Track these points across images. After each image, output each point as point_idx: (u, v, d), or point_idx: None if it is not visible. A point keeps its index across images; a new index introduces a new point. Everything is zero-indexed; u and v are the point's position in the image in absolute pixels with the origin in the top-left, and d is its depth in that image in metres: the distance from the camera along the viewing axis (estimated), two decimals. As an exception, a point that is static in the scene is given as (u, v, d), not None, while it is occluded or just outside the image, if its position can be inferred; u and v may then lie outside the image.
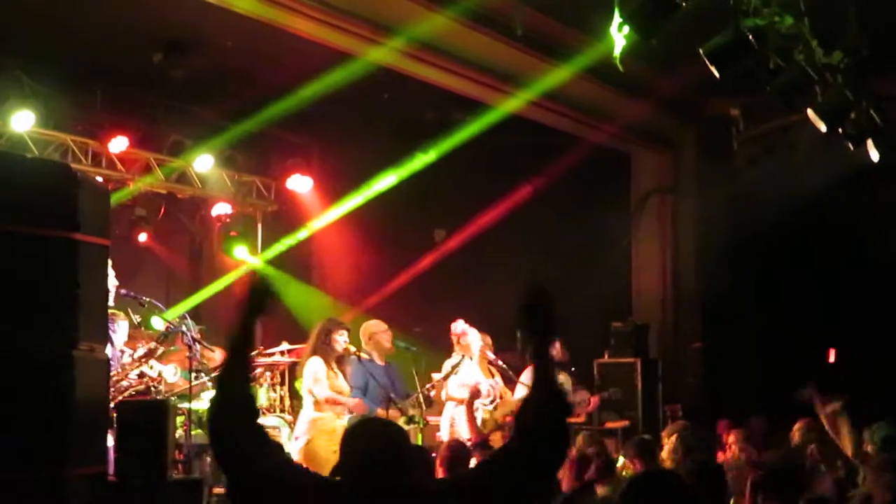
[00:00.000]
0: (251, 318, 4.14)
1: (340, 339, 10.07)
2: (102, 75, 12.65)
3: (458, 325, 11.05)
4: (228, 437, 3.94)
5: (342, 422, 9.97)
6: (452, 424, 10.75)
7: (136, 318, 10.37)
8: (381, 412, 10.02)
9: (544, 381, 3.99)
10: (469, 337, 10.97)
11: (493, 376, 11.27)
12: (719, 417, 11.22)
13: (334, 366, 10.05)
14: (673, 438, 8.47)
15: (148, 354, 9.89)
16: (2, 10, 10.62)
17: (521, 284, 4.01)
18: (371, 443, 3.89)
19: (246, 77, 12.45)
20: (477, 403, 10.85)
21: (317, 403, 9.92)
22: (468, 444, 9.48)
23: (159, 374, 9.96)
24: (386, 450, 3.85)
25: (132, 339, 10.43)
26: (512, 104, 13.09)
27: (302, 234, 15.24)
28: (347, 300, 14.77)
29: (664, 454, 8.28)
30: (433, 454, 7.30)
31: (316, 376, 9.91)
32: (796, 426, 9.53)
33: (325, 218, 15.23)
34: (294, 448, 9.95)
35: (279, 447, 4.11)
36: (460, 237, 15.35)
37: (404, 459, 3.89)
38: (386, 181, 14.68)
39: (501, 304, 13.88)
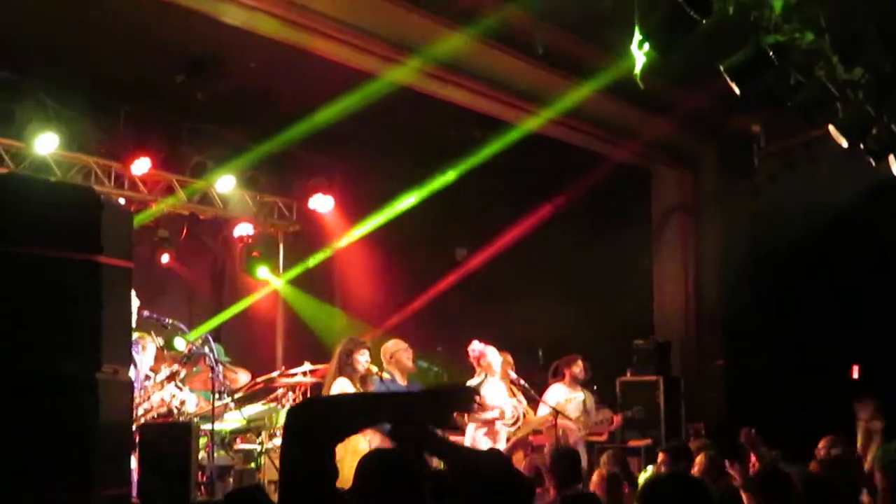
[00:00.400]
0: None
1: (362, 359, 10.03)
2: (125, 97, 12.71)
3: (475, 347, 11.03)
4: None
5: (366, 443, 9.94)
6: (474, 444, 10.73)
7: (160, 341, 10.39)
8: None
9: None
10: (488, 357, 10.96)
11: (514, 396, 11.26)
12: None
13: (359, 385, 10.02)
14: (701, 457, 8.48)
15: (171, 377, 9.91)
16: (25, 34, 10.71)
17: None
18: (385, 475, 3.87)
19: (268, 98, 12.51)
20: (499, 424, 10.85)
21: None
22: None
23: (182, 402, 9.96)
24: (400, 483, 3.83)
25: (155, 361, 10.46)
26: (533, 122, 13.09)
27: (323, 254, 15.27)
28: (369, 320, 14.79)
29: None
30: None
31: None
32: (821, 443, 9.47)
33: (346, 238, 15.26)
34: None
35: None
36: (482, 256, 15.35)
37: (416, 492, 3.87)
38: (407, 200, 14.70)
39: (523, 322, 13.97)
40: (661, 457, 8.49)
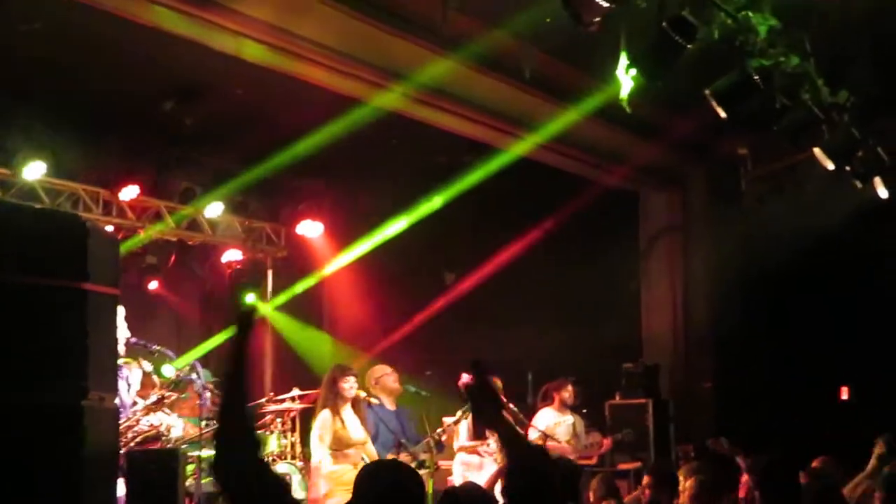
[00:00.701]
0: (240, 338, 4.07)
1: (347, 386, 9.98)
2: (114, 124, 12.71)
3: (465, 377, 11.00)
4: (235, 477, 3.84)
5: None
6: (464, 471, 10.72)
7: (148, 366, 10.36)
8: (391, 457, 9.99)
9: (514, 444, 3.97)
10: None
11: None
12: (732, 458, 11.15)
13: (344, 414, 9.95)
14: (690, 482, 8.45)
15: (158, 402, 9.89)
16: (13, 61, 10.71)
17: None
18: (381, 485, 3.86)
19: (256, 124, 12.52)
20: (483, 451, 10.85)
21: (333, 456, 9.85)
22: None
23: (168, 428, 9.94)
24: (395, 493, 3.82)
25: (143, 388, 10.43)
26: (521, 147, 13.11)
27: (312, 280, 15.26)
28: (358, 345, 14.78)
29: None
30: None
31: (320, 434, 9.85)
32: (814, 463, 9.47)
33: (335, 263, 15.26)
34: (312, 495, 9.93)
35: (286, 486, 4.06)
36: (470, 280, 15.35)
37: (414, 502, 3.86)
38: (396, 226, 14.70)
39: (512, 346, 13.95)
40: (645, 479, 8.46)
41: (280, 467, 10.81)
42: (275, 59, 10.45)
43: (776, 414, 13.58)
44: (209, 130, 12.70)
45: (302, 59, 10.49)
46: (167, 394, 10.01)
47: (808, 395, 13.72)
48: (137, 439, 9.67)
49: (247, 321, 4.06)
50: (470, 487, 6.33)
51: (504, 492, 4.04)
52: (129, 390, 10.15)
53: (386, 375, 10.85)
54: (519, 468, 3.89)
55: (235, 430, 3.91)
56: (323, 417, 9.87)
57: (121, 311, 8.00)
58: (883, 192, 10.93)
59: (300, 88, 11.23)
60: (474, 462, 10.83)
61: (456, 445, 10.91)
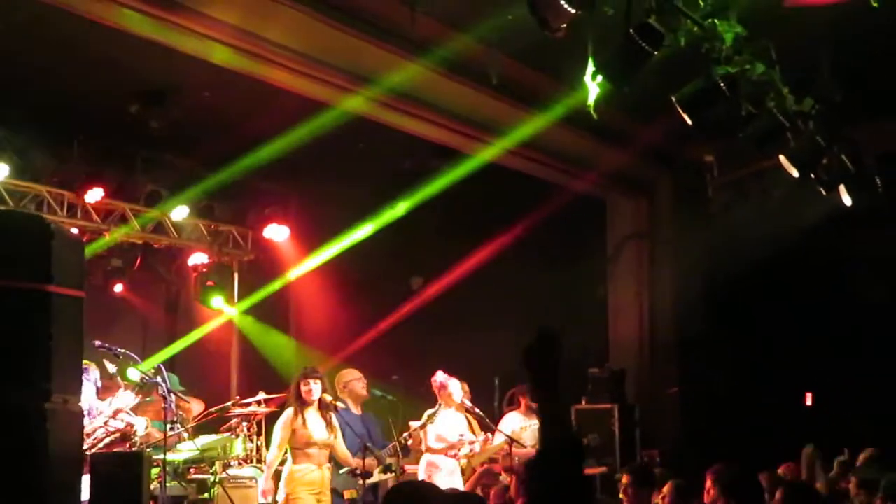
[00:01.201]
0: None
1: (313, 388, 9.98)
2: (79, 126, 12.66)
3: (438, 378, 11.04)
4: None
5: (321, 472, 9.93)
6: (430, 475, 10.72)
7: (112, 368, 10.30)
8: (356, 461, 9.99)
9: (557, 428, 3.87)
10: (449, 388, 10.97)
11: (472, 427, 11.28)
12: (697, 462, 11.19)
13: (307, 414, 9.94)
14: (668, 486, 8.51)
15: (120, 408, 9.85)
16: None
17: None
18: None
19: (222, 127, 12.47)
20: (451, 454, 10.87)
21: (294, 456, 9.86)
22: None
23: (130, 426, 9.90)
24: None
25: (107, 390, 10.38)
26: (489, 153, 13.12)
27: (279, 284, 15.23)
28: (325, 349, 14.75)
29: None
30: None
31: (280, 431, 9.86)
32: (780, 469, 9.54)
33: (302, 267, 15.23)
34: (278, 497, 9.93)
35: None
36: (437, 285, 15.36)
37: None
38: (363, 230, 14.69)
39: (479, 351, 13.97)
40: (625, 478, 8.44)
41: (246, 471, 10.77)
42: (242, 63, 10.43)
43: (741, 419, 13.65)
44: (175, 133, 12.65)
45: (269, 63, 10.47)
46: (132, 395, 9.98)
47: (773, 400, 13.80)
48: (106, 440, 9.64)
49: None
50: (418, 483, 6.36)
51: (524, 482, 3.96)
52: (96, 393, 10.13)
53: (355, 380, 10.88)
54: (553, 456, 3.80)
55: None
56: (284, 415, 9.91)
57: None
58: (847, 200, 11.01)
59: (267, 92, 11.21)
60: (440, 464, 10.83)
61: (424, 447, 10.91)
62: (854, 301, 13.52)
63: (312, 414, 9.95)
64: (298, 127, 11.94)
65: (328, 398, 10.13)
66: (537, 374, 3.86)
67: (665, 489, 8.26)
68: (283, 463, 10.08)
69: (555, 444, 3.72)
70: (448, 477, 10.61)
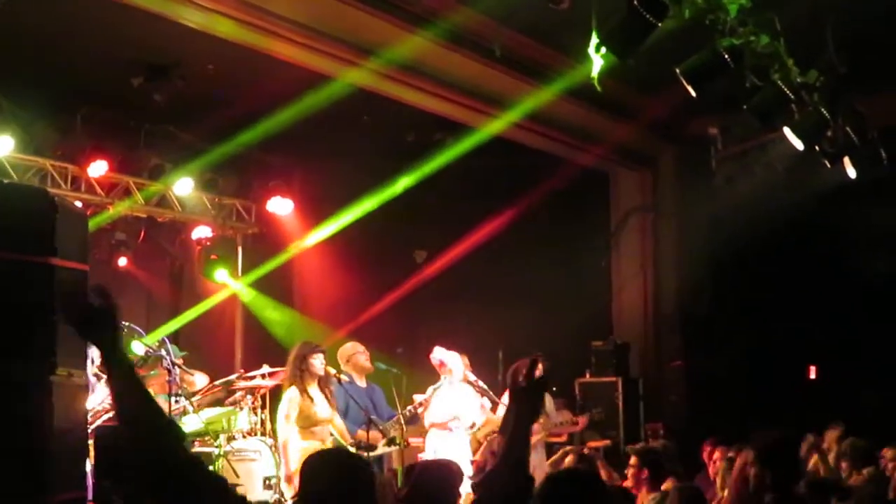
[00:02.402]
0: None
1: (317, 363, 9.99)
2: (83, 99, 12.63)
3: (436, 355, 11.04)
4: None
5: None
6: (436, 448, 10.75)
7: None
8: (361, 433, 10.02)
9: (517, 462, 3.91)
10: (449, 364, 10.97)
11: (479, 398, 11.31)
12: (700, 435, 11.23)
13: (311, 391, 9.97)
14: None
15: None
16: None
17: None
18: (328, 477, 3.80)
19: (226, 100, 12.44)
20: (458, 427, 10.89)
21: (302, 433, 9.86)
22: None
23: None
24: (345, 483, 3.77)
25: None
26: (493, 125, 13.11)
27: (283, 257, 15.21)
28: (329, 322, 14.75)
29: None
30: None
31: (287, 412, 9.86)
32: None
33: (305, 240, 15.22)
34: (282, 473, 9.96)
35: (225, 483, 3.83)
36: (442, 258, 15.36)
37: (361, 495, 3.81)
38: (367, 203, 14.67)
39: (483, 324, 13.97)
40: (633, 460, 8.41)
41: (250, 444, 10.80)
42: (246, 36, 10.41)
43: (745, 392, 13.68)
44: (179, 107, 12.62)
45: (273, 36, 10.45)
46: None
47: (776, 374, 13.82)
48: (105, 417, 9.65)
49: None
50: (436, 462, 6.35)
51: (475, 488, 3.99)
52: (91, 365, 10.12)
53: (358, 353, 10.89)
54: (503, 490, 3.84)
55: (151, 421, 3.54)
56: (290, 395, 9.88)
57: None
58: (852, 172, 10.99)
59: (271, 65, 11.19)
60: (446, 438, 10.85)
61: (427, 422, 10.93)
62: (858, 274, 13.52)
63: (315, 390, 9.97)
64: (302, 100, 11.93)
65: (332, 371, 10.14)
66: (522, 411, 3.92)
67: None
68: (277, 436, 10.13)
69: (507, 485, 3.79)
70: (454, 450, 10.62)
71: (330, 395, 10.11)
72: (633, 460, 8.29)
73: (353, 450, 9.79)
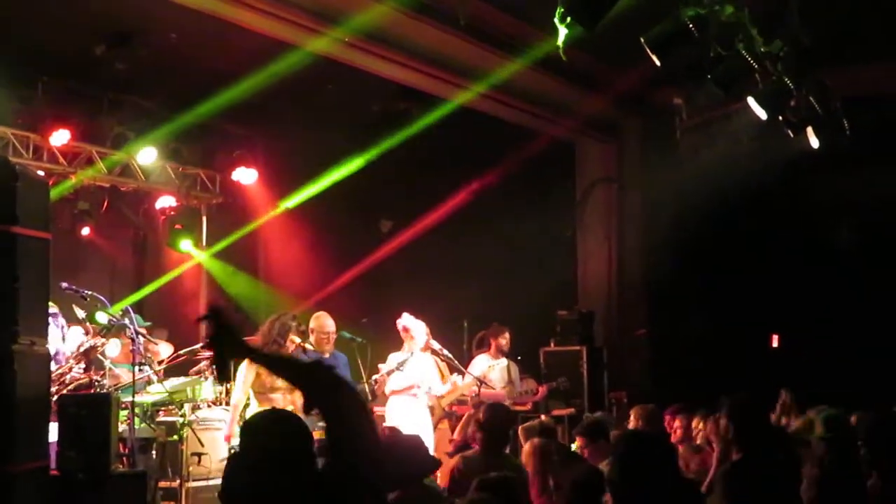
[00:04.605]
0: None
1: (295, 338, 9.98)
2: (44, 68, 12.52)
3: (403, 320, 11.05)
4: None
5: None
6: (397, 417, 10.77)
7: (82, 314, 10.26)
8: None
9: (287, 367, 3.99)
10: (413, 330, 10.98)
11: (438, 367, 11.33)
12: (664, 403, 11.31)
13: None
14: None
15: (92, 350, 9.84)
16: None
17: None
18: (267, 438, 3.83)
19: (189, 69, 12.37)
20: (420, 394, 10.92)
21: (258, 398, 9.85)
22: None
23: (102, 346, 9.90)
24: (282, 445, 3.80)
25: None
26: (458, 96, 13.09)
27: (248, 226, 15.17)
28: (294, 292, 14.74)
29: None
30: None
31: (244, 375, 9.78)
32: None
33: (270, 210, 15.18)
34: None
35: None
36: (407, 228, 15.36)
37: (301, 452, 3.83)
38: (332, 173, 14.64)
39: (448, 294, 13.98)
40: (578, 441, 8.41)
41: (215, 413, 10.79)
42: (208, 3, 10.34)
43: (708, 361, 13.76)
44: (142, 75, 12.54)
45: (236, 3, 10.38)
46: (99, 340, 9.96)
47: (740, 342, 13.91)
48: (70, 387, 9.62)
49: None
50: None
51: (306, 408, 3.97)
52: (63, 340, 10.08)
53: (326, 324, 10.87)
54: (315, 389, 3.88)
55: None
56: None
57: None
58: (814, 142, 11.06)
59: (234, 33, 11.11)
60: (407, 406, 10.88)
61: (388, 389, 10.95)
62: (821, 243, 13.62)
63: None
64: (266, 69, 11.86)
65: (297, 340, 10.14)
66: (224, 350, 3.96)
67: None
68: (246, 407, 10.10)
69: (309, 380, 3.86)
70: (415, 419, 10.65)
71: None
72: (578, 442, 8.31)
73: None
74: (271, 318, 10.11)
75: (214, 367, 3.97)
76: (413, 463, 5.88)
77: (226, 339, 3.93)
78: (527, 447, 7.37)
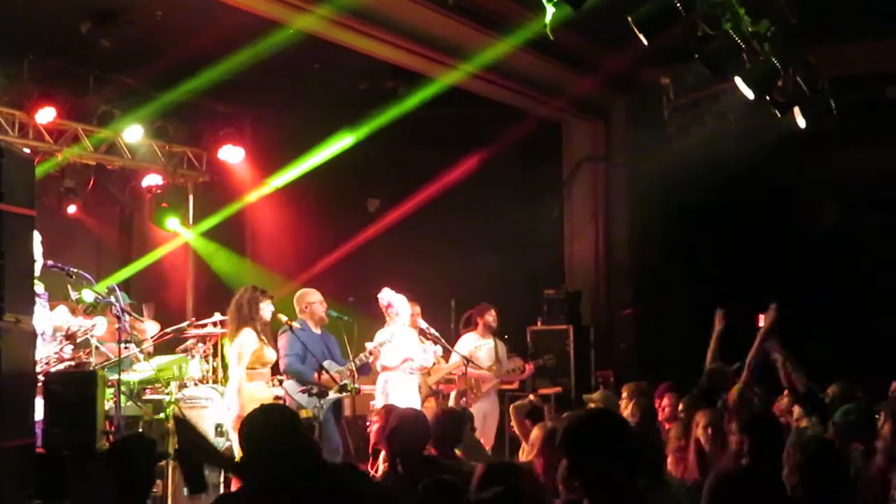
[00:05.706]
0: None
1: (267, 308, 10.05)
2: (29, 45, 12.44)
3: (385, 296, 11.06)
4: None
5: (270, 391, 10.03)
6: (386, 392, 10.80)
7: (75, 295, 10.21)
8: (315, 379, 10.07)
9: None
10: (395, 306, 10.99)
11: (424, 343, 11.35)
12: (650, 382, 11.33)
13: (263, 336, 10.02)
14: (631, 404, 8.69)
15: (79, 332, 9.83)
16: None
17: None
18: (271, 432, 3.87)
19: (176, 47, 12.28)
20: (409, 372, 10.95)
21: (248, 374, 9.88)
22: None
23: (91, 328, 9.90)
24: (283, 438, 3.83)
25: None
26: (446, 75, 13.07)
27: (234, 205, 15.13)
28: (281, 271, 14.73)
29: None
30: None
31: (240, 352, 9.85)
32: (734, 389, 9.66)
33: (257, 189, 15.15)
34: (228, 419, 9.96)
35: None
36: (395, 207, 15.35)
37: (302, 445, 3.87)
38: (320, 152, 14.61)
39: (435, 273, 14.00)
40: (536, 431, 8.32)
41: (201, 391, 10.79)
42: (194, -20, 10.30)
43: (694, 340, 13.78)
44: (128, 53, 12.46)
45: (222, -20, 10.34)
46: (88, 323, 9.95)
47: (727, 321, 13.92)
48: (56, 365, 9.60)
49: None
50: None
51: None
52: (49, 319, 10.05)
53: (317, 303, 10.90)
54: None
55: None
56: (245, 338, 9.88)
57: (36, 235, 7.89)
58: (801, 122, 11.06)
59: (221, 11, 11.05)
60: (397, 383, 10.90)
61: (378, 366, 10.96)
62: (808, 223, 13.65)
63: (264, 335, 10.06)
64: (253, 47, 11.82)
65: (283, 318, 10.17)
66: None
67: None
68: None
69: None
70: (405, 395, 10.67)
71: (268, 340, 10.16)
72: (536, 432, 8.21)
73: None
74: (239, 292, 10.21)
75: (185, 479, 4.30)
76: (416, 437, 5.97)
77: (192, 448, 4.12)
78: (536, 431, 7.34)
